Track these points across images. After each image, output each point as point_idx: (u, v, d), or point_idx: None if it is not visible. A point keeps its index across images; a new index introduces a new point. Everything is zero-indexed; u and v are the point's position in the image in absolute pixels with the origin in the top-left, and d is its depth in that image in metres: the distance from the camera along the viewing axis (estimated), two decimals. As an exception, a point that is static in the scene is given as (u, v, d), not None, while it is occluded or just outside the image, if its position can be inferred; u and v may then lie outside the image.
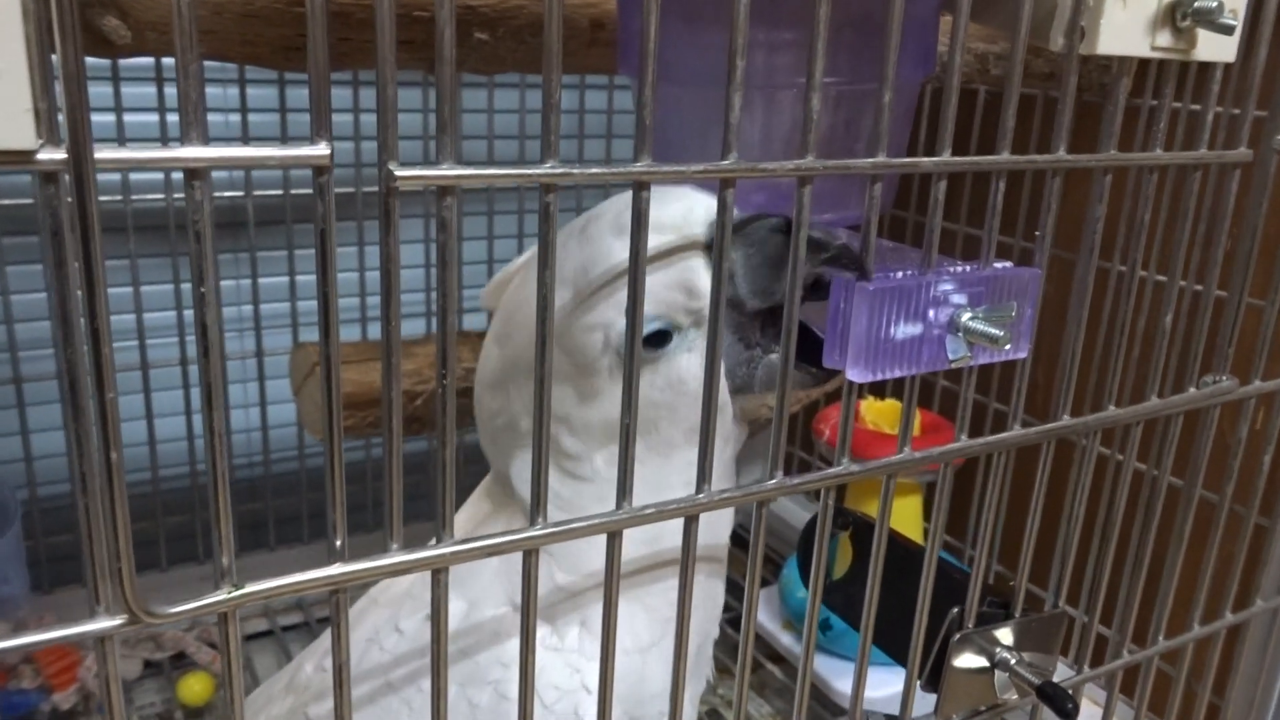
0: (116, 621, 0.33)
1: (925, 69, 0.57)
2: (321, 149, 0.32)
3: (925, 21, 0.61)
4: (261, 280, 1.13)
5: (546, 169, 0.36)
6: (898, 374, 0.46)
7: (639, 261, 0.39)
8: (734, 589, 0.68)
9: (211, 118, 1.11)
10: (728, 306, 0.52)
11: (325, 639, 0.61)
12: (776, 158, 0.41)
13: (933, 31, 0.63)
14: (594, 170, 0.38)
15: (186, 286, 1.08)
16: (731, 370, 0.54)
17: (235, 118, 1.09)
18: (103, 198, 1.05)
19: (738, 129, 0.39)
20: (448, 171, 0.34)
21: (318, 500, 1.22)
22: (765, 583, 1.18)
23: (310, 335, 1.09)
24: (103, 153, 0.28)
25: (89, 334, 0.29)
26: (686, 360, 0.52)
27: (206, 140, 0.30)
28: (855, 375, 0.45)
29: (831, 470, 0.47)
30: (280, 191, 1.13)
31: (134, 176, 1.06)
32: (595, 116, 1.28)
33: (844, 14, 0.52)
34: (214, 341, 0.32)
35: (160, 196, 1.08)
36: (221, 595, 0.34)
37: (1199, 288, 0.63)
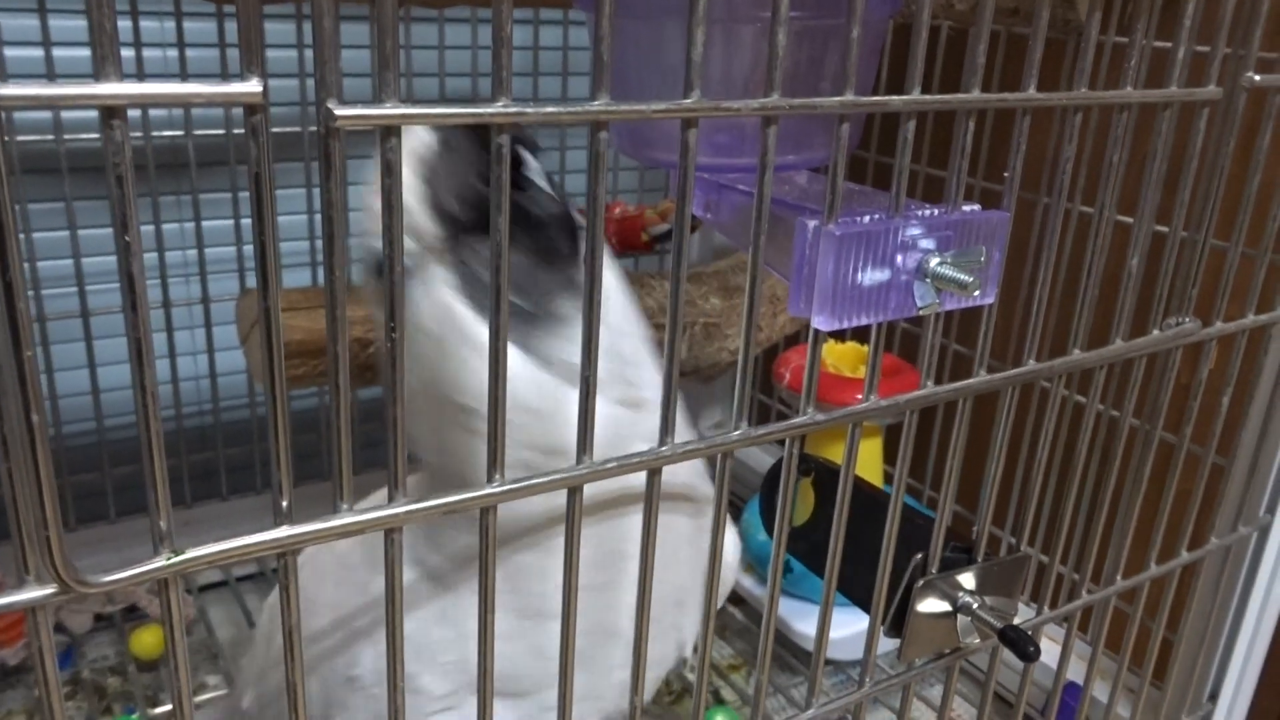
0: (46, 591, 0.31)
1: (894, 4, 0.55)
2: (253, 85, 0.29)
3: (892, -47, 0.59)
4: (206, 223, 1.08)
5: (498, 108, 0.34)
6: (864, 321, 0.45)
7: (595, 205, 0.37)
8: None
9: (149, 53, 1.06)
10: (448, 232, 0.51)
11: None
12: (738, 96, 0.39)
13: (900, -37, 0.60)
14: (549, 109, 0.36)
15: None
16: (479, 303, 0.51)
17: (174, 52, 1.05)
18: (33, 136, 1.01)
19: (700, 66, 0.37)
20: (392, 111, 0.32)
21: (270, 448, 1.20)
22: (726, 525, 1.17)
23: (258, 280, 1.06)
24: (6, 89, 0.26)
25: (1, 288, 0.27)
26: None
27: (124, 75, 0.27)
28: (821, 323, 0.44)
29: (796, 420, 0.46)
30: (222, 131, 1.09)
31: (67, 114, 1.01)
32: (551, 53, 1.24)
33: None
34: (140, 294, 0.29)
35: (96, 135, 1.04)
36: (159, 562, 0.33)
37: (1162, 228, 0.62)
